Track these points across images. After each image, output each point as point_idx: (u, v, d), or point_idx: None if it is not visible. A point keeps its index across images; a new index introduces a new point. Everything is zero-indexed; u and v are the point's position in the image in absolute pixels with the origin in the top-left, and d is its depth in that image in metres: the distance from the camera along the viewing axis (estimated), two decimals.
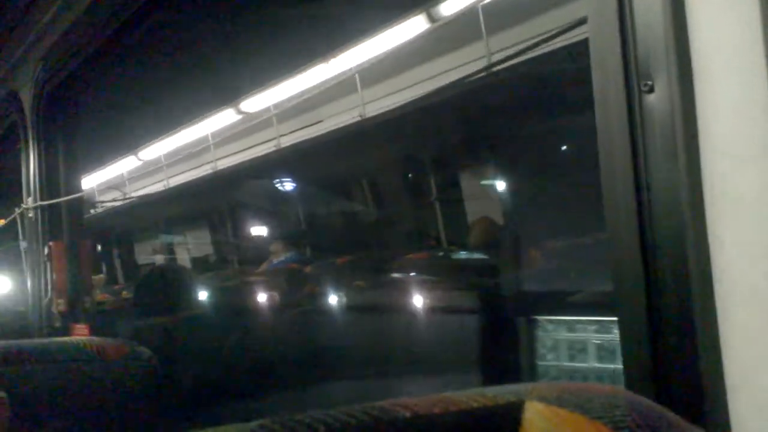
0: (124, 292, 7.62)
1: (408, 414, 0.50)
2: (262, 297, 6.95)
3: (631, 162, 0.76)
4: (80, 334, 2.37)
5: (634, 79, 0.76)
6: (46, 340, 1.75)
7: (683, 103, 0.73)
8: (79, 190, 2.60)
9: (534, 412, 0.54)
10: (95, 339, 1.58)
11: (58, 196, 2.45)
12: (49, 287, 2.44)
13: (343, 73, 5.14)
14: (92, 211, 7.75)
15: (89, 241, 2.64)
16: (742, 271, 0.69)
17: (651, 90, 0.76)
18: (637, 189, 0.76)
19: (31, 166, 2.49)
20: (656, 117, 0.75)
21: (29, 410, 1.37)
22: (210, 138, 6.30)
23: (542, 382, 0.60)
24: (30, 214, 2.49)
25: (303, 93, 5.50)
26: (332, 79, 5.20)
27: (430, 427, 0.49)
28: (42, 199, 2.45)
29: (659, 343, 0.73)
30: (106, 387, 1.49)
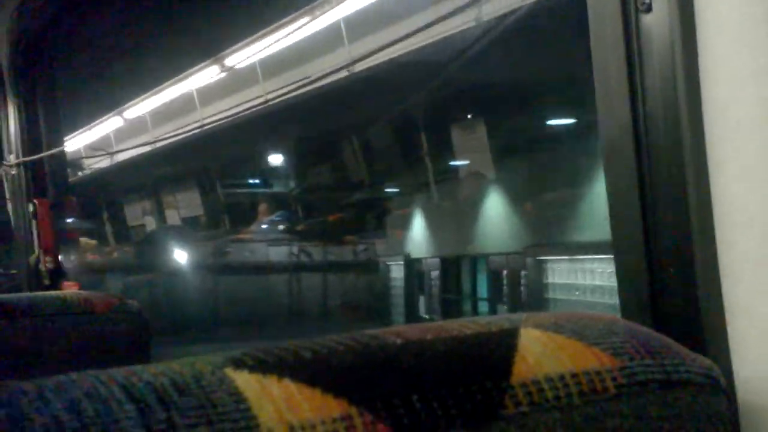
0: (115, 254, 7.61)
1: (399, 340, 0.48)
2: (252, 255, 7.12)
3: (628, 86, 0.73)
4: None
5: None
6: (31, 294, 1.72)
7: (682, 23, 0.70)
8: (62, 146, 2.54)
9: (530, 338, 0.52)
10: (82, 292, 1.55)
11: (40, 153, 2.39)
12: (36, 245, 2.40)
13: (330, 26, 5.04)
14: (80, 173, 7.67)
15: (75, 198, 2.60)
16: (742, 196, 0.66)
17: (649, 9, 0.72)
18: (634, 114, 0.73)
19: (11, 121, 2.44)
20: (654, 38, 0.72)
21: (16, 364, 1.35)
22: (195, 95, 6.20)
23: (538, 312, 0.58)
24: (13, 171, 2.44)
25: (289, 47, 5.40)
26: (318, 33, 5.11)
27: (421, 353, 0.47)
28: (24, 156, 2.40)
29: (656, 270, 0.71)
30: (94, 340, 1.47)
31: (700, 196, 0.69)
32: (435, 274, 7.29)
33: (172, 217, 8.69)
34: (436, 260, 7.33)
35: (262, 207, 7.41)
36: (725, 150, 0.68)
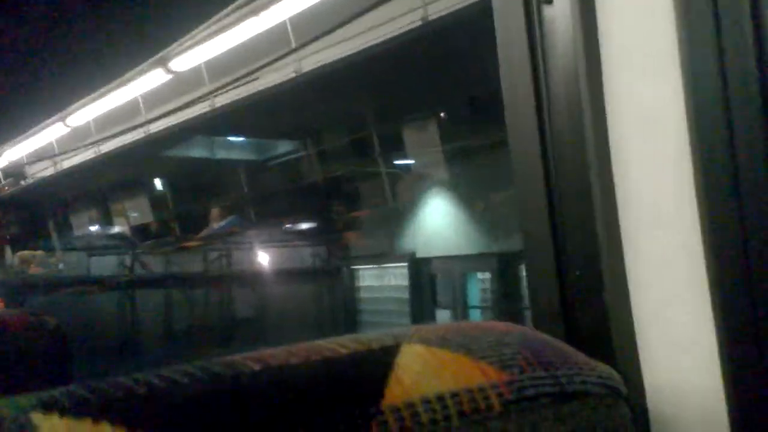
0: (61, 265, 7.37)
1: (257, 367, 0.43)
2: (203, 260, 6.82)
3: (531, 79, 0.70)
4: None
5: None
6: None
7: (583, 14, 0.67)
8: None
9: (410, 356, 0.47)
10: None
11: None
12: None
13: (276, 26, 4.96)
14: (23, 182, 7.41)
15: (13, 213, 2.49)
16: (647, 194, 0.63)
17: (549, 1, 0.69)
18: (538, 108, 0.69)
19: None
20: (556, 29, 0.68)
21: None
22: (140, 100, 6.05)
23: (431, 324, 0.54)
24: None
25: (235, 49, 5.29)
26: (264, 32, 5.02)
27: (281, 381, 0.42)
28: None
29: (565, 278, 0.67)
30: (8, 359, 1.39)
31: (605, 196, 0.65)
32: (481, 277, 5.62)
33: (121, 224, 8.47)
34: (475, 260, 5.68)
35: (213, 213, 7.25)
36: (629, 144, 0.65)
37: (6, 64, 3.33)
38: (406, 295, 6.01)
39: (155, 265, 6.85)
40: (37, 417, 0.35)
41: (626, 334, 0.63)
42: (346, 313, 6.40)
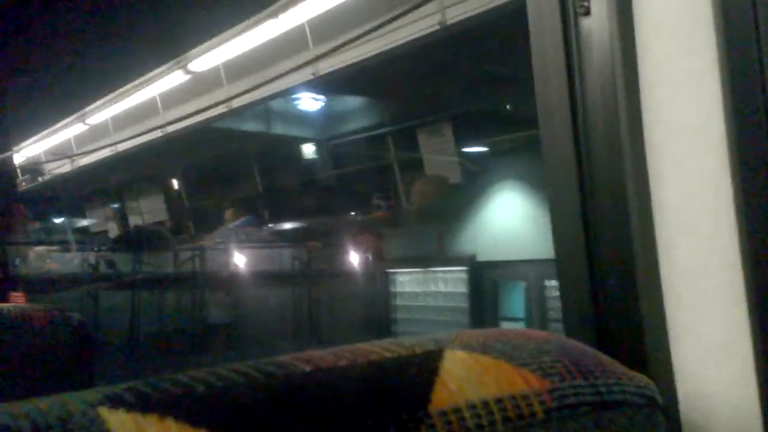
0: (75, 261, 7.42)
1: (308, 368, 0.44)
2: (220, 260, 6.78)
3: (567, 90, 0.70)
4: (17, 302, 2.26)
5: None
6: None
7: (621, 25, 0.67)
8: (10, 153, 2.46)
9: (453, 361, 0.48)
10: (20, 306, 1.48)
11: None
12: None
13: (294, 28, 4.97)
14: (40, 179, 7.48)
15: (22, 205, 2.52)
16: (683, 207, 0.64)
17: (587, 12, 0.69)
18: (574, 119, 0.70)
19: None
20: (593, 42, 0.69)
21: None
22: (158, 100, 6.09)
23: (471, 330, 0.55)
24: None
25: (253, 51, 5.32)
26: (283, 34, 5.04)
27: (332, 382, 0.43)
28: None
29: (599, 288, 0.68)
30: (33, 354, 1.41)
31: (641, 207, 0.66)
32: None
33: (136, 223, 8.53)
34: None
35: (228, 214, 7.28)
36: (665, 156, 0.65)
37: (29, 65, 3.38)
38: (463, 303, 5.16)
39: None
40: (104, 412, 0.36)
41: (660, 343, 0.64)
42: (379, 323, 5.54)
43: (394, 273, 5.29)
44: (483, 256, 5.33)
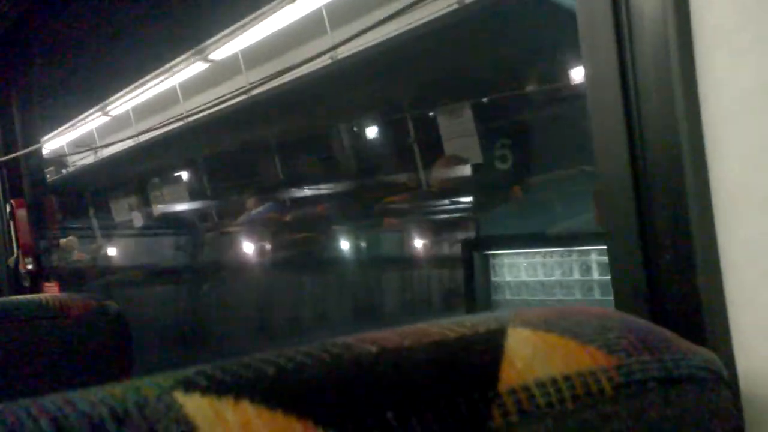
0: (102, 251, 7.52)
1: (374, 349, 0.44)
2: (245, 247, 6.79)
3: (618, 63, 0.69)
4: (51, 293, 2.29)
5: None
6: (8, 299, 1.67)
7: (674, 8, 0.65)
8: (39, 144, 2.48)
9: (518, 339, 0.47)
10: (58, 295, 1.50)
11: (16, 151, 2.33)
12: (15, 246, 2.35)
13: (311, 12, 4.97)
14: (63, 170, 7.57)
15: (53, 196, 2.55)
16: (742, 180, 0.62)
17: None
18: (625, 93, 0.68)
19: None
20: (645, 12, 0.67)
21: None
22: (178, 89, 6.12)
23: (527, 308, 0.54)
24: None
25: (271, 36, 5.32)
26: (300, 19, 5.03)
27: (399, 363, 0.43)
28: None
29: (652, 259, 0.67)
30: (72, 344, 1.42)
31: (697, 179, 0.64)
32: None
33: (160, 211, 8.61)
34: None
35: (249, 203, 7.31)
36: (724, 129, 0.63)
37: (52, 58, 3.40)
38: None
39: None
40: (180, 396, 0.36)
41: (719, 318, 0.63)
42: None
43: (496, 255, 3.57)
44: None
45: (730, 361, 0.62)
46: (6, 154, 2.35)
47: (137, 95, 6.38)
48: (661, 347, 0.50)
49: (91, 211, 9.21)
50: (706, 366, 0.51)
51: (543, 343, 0.47)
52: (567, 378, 0.45)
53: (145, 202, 8.82)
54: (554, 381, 0.45)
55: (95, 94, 6.08)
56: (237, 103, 6.21)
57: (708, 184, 0.64)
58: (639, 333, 0.51)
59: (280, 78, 5.94)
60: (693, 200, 0.64)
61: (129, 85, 6.11)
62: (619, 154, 0.69)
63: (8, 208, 2.33)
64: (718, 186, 0.63)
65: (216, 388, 0.37)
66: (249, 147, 8.25)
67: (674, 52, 0.64)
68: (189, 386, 0.37)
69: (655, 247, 0.66)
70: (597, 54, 0.71)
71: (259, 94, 6.18)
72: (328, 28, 5.40)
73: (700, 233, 0.63)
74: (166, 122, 5.96)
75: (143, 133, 6.38)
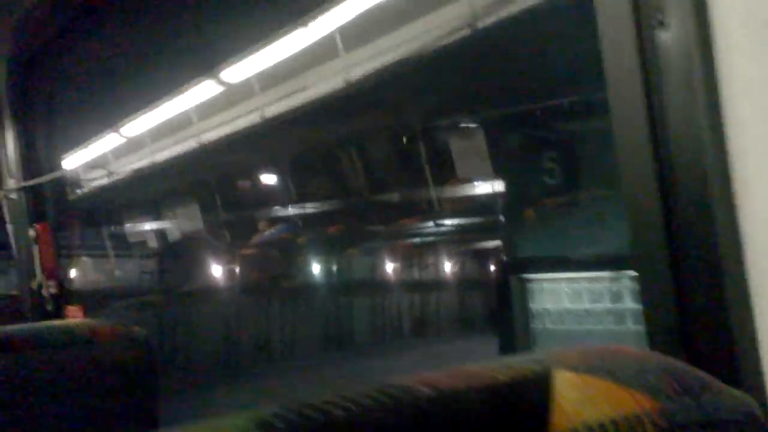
0: (116, 271, 7.58)
1: (431, 392, 0.46)
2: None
3: (645, 105, 0.71)
4: (74, 316, 2.32)
5: (644, 12, 0.70)
6: (38, 325, 1.70)
7: (698, 38, 0.68)
8: (61, 169, 2.52)
9: (564, 383, 0.49)
10: (88, 321, 1.52)
11: (40, 176, 2.37)
12: (38, 270, 2.38)
13: (324, 36, 5.02)
14: (78, 191, 7.63)
15: (77, 221, 2.58)
16: None
17: (663, 25, 0.70)
18: (653, 134, 0.70)
19: (10, 145, 2.41)
20: (671, 55, 0.70)
21: (23, 397, 1.33)
22: (192, 112, 6.18)
23: (567, 348, 0.56)
24: (12, 196, 2.42)
25: (284, 60, 5.37)
26: (313, 43, 5.08)
27: (455, 406, 0.45)
28: (23, 180, 2.38)
29: (685, 300, 0.68)
30: (101, 370, 1.44)
31: (727, 215, 0.66)
32: None
33: (172, 232, 8.66)
34: None
35: (262, 225, 7.36)
36: (750, 165, 0.65)
37: (73, 84, 3.46)
38: None
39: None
40: None
41: (752, 357, 0.64)
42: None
43: (534, 281, 3.25)
44: None
45: (762, 401, 0.64)
46: (31, 177, 2.39)
47: (152, 117, 6.44)
48: (699, 390, 0.52)
49: (105, 232, 9.28)
50: (745, 410, 0.53)
51: (587, 386, 0.49)
52: (614, 422, 0.47)
53: (159, 223, 8.89)
54: (602, 426, 0.46)
55: (110, 116, 6.15)
56: (249, 126, 6.26)
57: (737, 220, 0.65)
58: (677, 375, 0.53)
59: (292, 101, 5.99)
60: (723, 238, 0.66)
61: (144, 107, 6.19)
62: (649, 193, 0.70)
63: (32, 233, 2.37)
64: (747, 222, 0.65)
65: (290, 430, 0.39)
66: (258, 170, 8.29)
67: (701, 92, 0.66)
68: (265, 428, 0.39)
69: (687, 287, 0.68)
70: (623, 98, 0.73)
71: (270, 117, 6.23)
72: (340, 49, 5.46)
73: (731, 272, 0.65)
74: (179, 144, 6.01)
75: (156, 156, 6.43)
